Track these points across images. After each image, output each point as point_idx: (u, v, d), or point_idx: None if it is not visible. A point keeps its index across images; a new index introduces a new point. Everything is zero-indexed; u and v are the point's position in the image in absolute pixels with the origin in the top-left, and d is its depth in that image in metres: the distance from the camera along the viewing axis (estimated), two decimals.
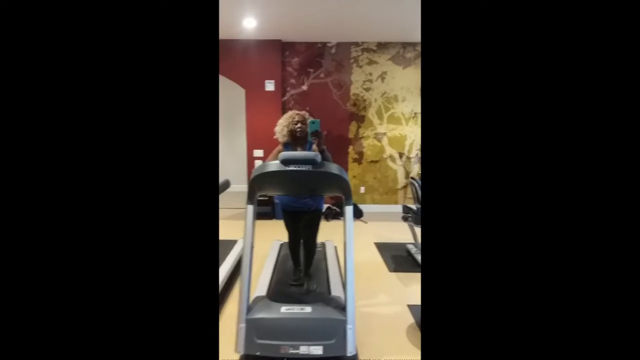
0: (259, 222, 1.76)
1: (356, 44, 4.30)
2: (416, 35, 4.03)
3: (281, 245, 2.74)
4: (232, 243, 2.72)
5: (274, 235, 2.92)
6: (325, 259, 2.51)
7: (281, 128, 1.95)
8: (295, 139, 1.93)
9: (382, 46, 4.30)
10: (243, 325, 1.47)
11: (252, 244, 1.60)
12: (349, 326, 1.46)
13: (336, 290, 1.93)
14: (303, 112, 1.98)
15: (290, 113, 1.98)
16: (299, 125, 1.90)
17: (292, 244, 2.16)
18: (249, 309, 1.53)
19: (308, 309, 1.53)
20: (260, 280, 2.09)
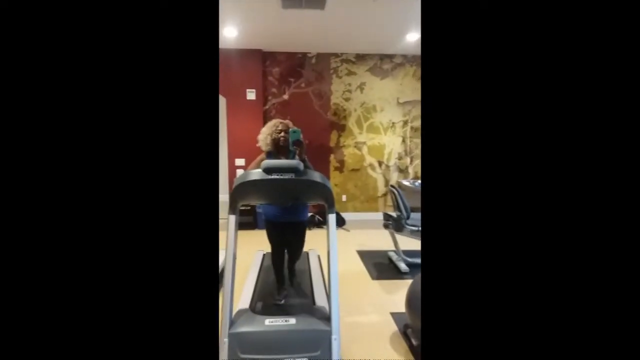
0: (241, 232, 1.73)
1: (335, 55, 4.38)
2: (393, 48, 4.17)
3: (264, 255, 2.70)
4: None
5: (256, 245, 2.88)
6: (309, 268, 2.49)
7: (264, 136, 1.91)
8: (279, 148, 1.89)
9: (361, 58, 4.40)
10: (226, 339, 1.44)
11: (234, 255, 1.57)
12: (334, 336, 1.45)
13: (320, 300, 1.92)
14: (287, 121, 1.94)
15: (274, 121, 1.94)
16: (282, 134, 1.86)
17: (276, 258, 2.08)
18: (232, 323, 1.50)
19: (292, 320, 1.52)
20: (243, 293, 2.05)
